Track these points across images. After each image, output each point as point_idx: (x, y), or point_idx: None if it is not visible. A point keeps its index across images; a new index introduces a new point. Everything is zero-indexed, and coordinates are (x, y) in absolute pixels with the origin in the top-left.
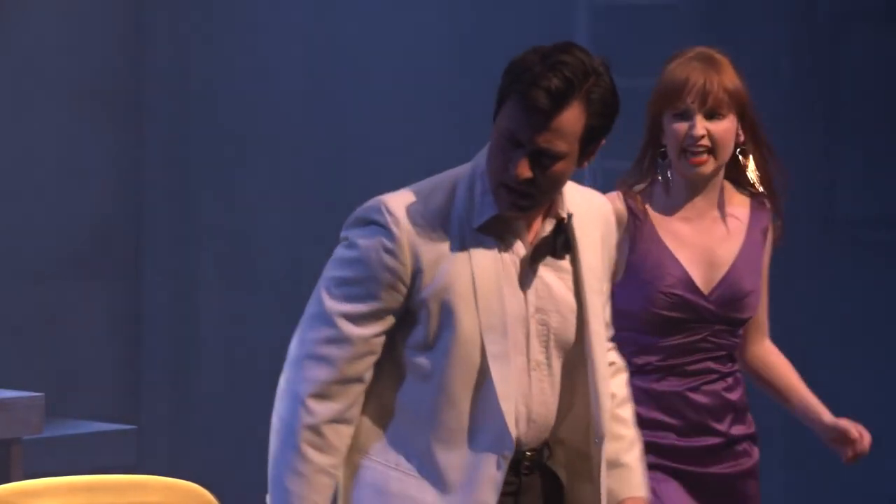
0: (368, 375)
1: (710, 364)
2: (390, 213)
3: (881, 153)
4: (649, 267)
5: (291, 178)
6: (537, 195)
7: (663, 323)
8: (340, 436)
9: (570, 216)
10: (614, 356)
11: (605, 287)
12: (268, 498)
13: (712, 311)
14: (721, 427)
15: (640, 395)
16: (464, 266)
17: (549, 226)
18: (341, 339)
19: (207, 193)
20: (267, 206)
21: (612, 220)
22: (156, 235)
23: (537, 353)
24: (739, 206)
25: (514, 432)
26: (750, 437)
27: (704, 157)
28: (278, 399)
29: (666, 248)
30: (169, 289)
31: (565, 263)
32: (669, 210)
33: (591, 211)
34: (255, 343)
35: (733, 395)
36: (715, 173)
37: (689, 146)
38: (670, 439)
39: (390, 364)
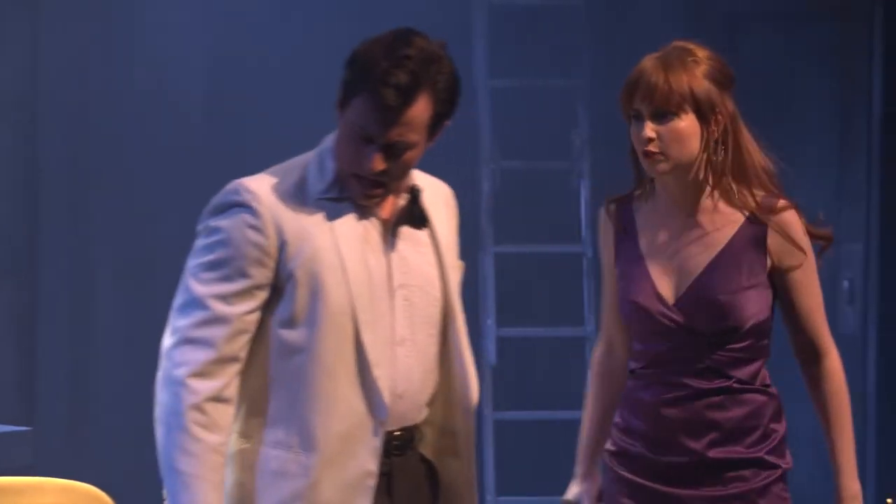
0: (243, 354)
1: (686, 379)
2: (249, 191)
3: (775, 150)
4: (625, 276)
5: (189, 181)
6: (389, 183)
7: (639, 331)
8: (223, 414)
9: (420, 190)
10: None
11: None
12: (164, 492)
13: (678, 320)
14: (695, 446)
15: (626, 400)
16: (327, 237)
17: (402, 199)
18: (216, 320)
19: (104, 194)
20: (165, 207)
21: (454, 204)
22: (52, 236)
23: (402, 327)
24: (731, 211)
25: (388, 399)
26: (752, 462)
27: (657, 155)
28: (158, 389)
29: (641, 258)
30: (65, 289)
31: (423, 236)
32: (653, 215)
33: (436, 193)
34: (154, 343)
35: (721, 414)
36: (681, 174)
37: (640, 148)
38: (639, 448)
39: (262, 343)
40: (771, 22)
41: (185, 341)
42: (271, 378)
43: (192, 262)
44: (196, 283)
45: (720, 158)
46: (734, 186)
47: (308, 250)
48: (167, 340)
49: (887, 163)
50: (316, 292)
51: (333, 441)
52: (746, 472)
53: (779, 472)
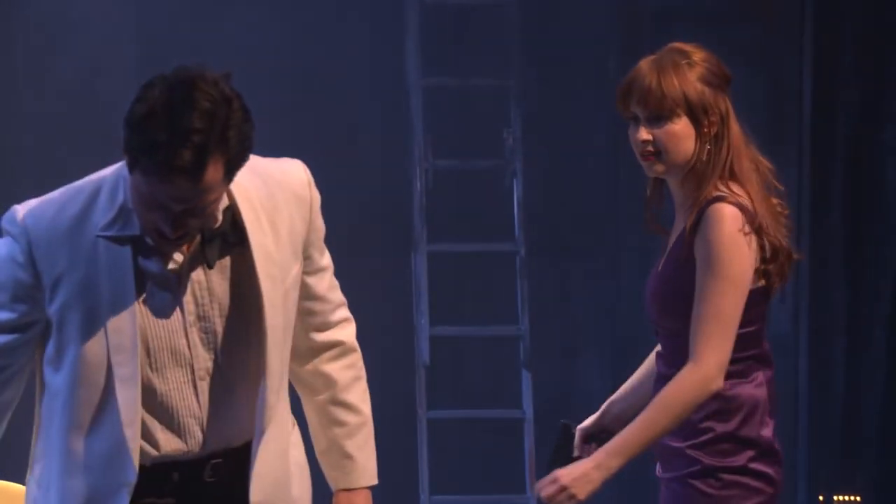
0: (3, 388)
1: (659, 365)
2: (20, 224)
3: None
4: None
5: None
6: (195, 232)
7: None
8: None
9: (228, 212)
10: (341, 334)
11: (297, 267)
12: None
13: (649, 303)
14: None
15: None
16: (94, 282)
17: (197, 239)
18: None
19: (30, 190)
20: None
21: (304, 191)
22: None
23: (204, 360)
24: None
25: (136, 461)
26: (676, 452)
27: (652, 158)
28: None
29: (663, 249)
30: None
31: (226, 260)
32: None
33: (274, 188)
34: None
35: None
36: (678, 174)
37: (637, 151)
38: None
39: (39, 383)
40: (700, 24)
41: None
42: (39, 414)
43: None
44: None
45: (712, 159)
46: (704, 182)
47: (69, 295)
48: None
49: (818, 166)
50: (71, 341)
51: (74, 499)
52: (676, 462)
53: (698, 467)
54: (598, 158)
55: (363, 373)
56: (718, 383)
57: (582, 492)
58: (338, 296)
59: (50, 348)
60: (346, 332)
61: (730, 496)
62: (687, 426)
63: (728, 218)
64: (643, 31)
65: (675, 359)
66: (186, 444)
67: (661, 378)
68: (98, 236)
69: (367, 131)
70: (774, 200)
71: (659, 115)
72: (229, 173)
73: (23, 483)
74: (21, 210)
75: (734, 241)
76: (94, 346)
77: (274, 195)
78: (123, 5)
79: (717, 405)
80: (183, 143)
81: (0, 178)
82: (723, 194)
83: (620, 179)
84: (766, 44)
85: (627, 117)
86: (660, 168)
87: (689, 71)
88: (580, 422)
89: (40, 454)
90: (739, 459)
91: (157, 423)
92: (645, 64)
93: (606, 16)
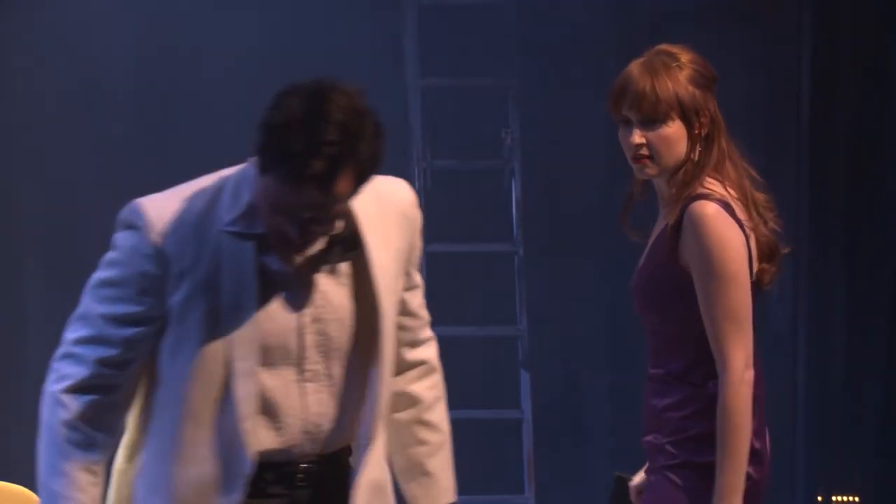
0: (127, 382)
1: (651, 356)
2: (145, 217)
3: None
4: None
5: (115, 179)
6: (316, 240)
7: None
8: (98, 434)
9: (350, 222)
10: (427, 353)
11: (401, 282)
12: None
13: (633, 294)
14: (644, 426)
15: None
16: (217, 276)
17: (322, 242)
18: (99, 340)
19: (29, 193)
20: (92, 206)
21: (411, 210)
22: None
23: (314, 363)
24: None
25: (250, 454)
26: (658, 447)
27: (645, 160)
28: (42, 402)
29: (644, 246)
30: None
31: (345, 268)
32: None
33: (386, 205)
34: None
35: (657, 400)
36: (667, 175)
37: (630, 154)
38: None
39: (151, 374)
40: (699, 22)
41: (67, 356)
42: (151, 405)
43: (96, 273)
44: (90, 298)
45: (702, 160)
46: (690, 181)
47: (193, 288)
48: (56, 351)
49: (816, 165)
50: (191, 334)
51: (186, 488)
52: (656, 456)
53: (677, 461)
54: (597, 158)
55: (444, 392)
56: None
57: None
58: (426, 313)
59: (168, 341)
60: (431, 351)
61: (703, 492)
62: (669, 424)
63: (711, 216)
64: (642, 30)
65: (658, 357)
66: (285, 444)
67: (650, 379)
68: (223, 231)
69: None
70: (760, 196)
71: (653, 119)
72: (358, 185)
73: (22, 483)
74: (146, 203)
75: (723, 237)
76: (215, 340)
77: (386, 211)
78: (125, 7)
79: (699, 405)
80: (316, 154)
81: (1, 180)
82: (704, 192)
83: (619, 179)
84: (764, 43)
85: (618, 120)
86: (652, 171)
87: (680, 73)
88: (633, 473)
89: (146, 443)
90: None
91: (260, 420)
92: (635, 67)
93: (605, 15)
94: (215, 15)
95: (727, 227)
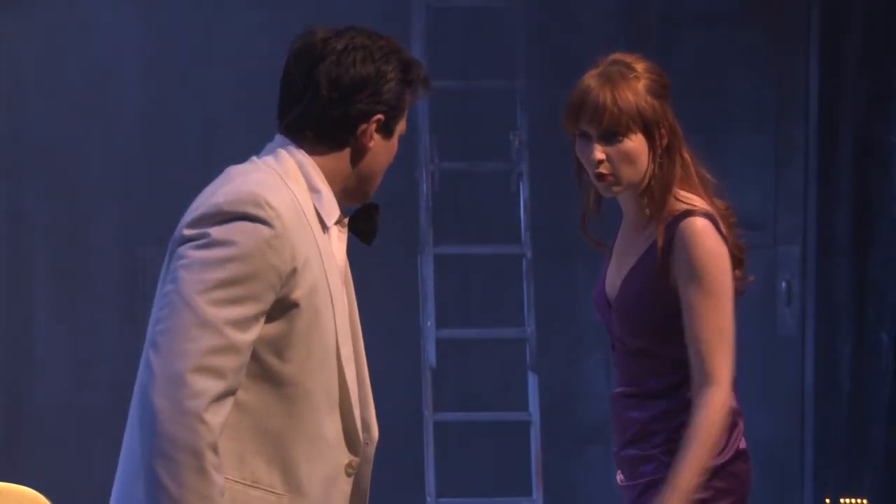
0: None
1: (622, 378)
2: (271, 207)
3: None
4: (599, 274)
5: (125, 182)
6: None
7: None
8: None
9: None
10: None
11: None
12: None
13: (612, 320)
14: (620, 439)
15: None
16: (320, 266)
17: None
18: (229, 348)
19: (38, 197)
20: (100, 209)
21: None
22: None
23: (357, 340)
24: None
25: (362, 439)
26: (650, 458)
27: (608, 178)
28: (165, 421)
29: (611, 256)
30: (1, 292)
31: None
32: (624, 221)
33: None
34: (92, 343)
35: (637, 413)
36: (634, 190)
37: (591, 171)
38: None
39: (251, 376)
40: (707, 24)
41: (200, 369)
42: (251, 409)
43: (197, 275)
44: (205, 303)
45: (668, 172)
46: (665, 196)
47: (310, 279)
48: (169, 364)
49: (823, 165)
50: (312, 324)
51: (318, 484)
52: (645, 467)
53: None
54: None
55: None
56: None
57: None
58: None
59: (283, 335)
60: None
61: (701, 499)
62: (658, 435)
63: (703, 232)
64: (650, 32)
65: (641, 378)
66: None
67: (622, 396)
68: (320, 225)
69: None
70: (720, 203)
71: (614, 133)
72: None
73: (21, 483)
74: (264, 193)
75: (715, 255)
76: (329, 329)
77: None
78: (131, 9)
79: (685, 416)
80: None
81: (9, 180)
82: (691, 208)
83: None
84: (772, 44)
85: (573, 134)
86: (617, 189)
87: (638, 84)
88: None
89: (256, 452)
90: (710, 463)
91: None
92: (592, 79)
93: (613, 17)
94: (222, 17)
95: (717, 243)
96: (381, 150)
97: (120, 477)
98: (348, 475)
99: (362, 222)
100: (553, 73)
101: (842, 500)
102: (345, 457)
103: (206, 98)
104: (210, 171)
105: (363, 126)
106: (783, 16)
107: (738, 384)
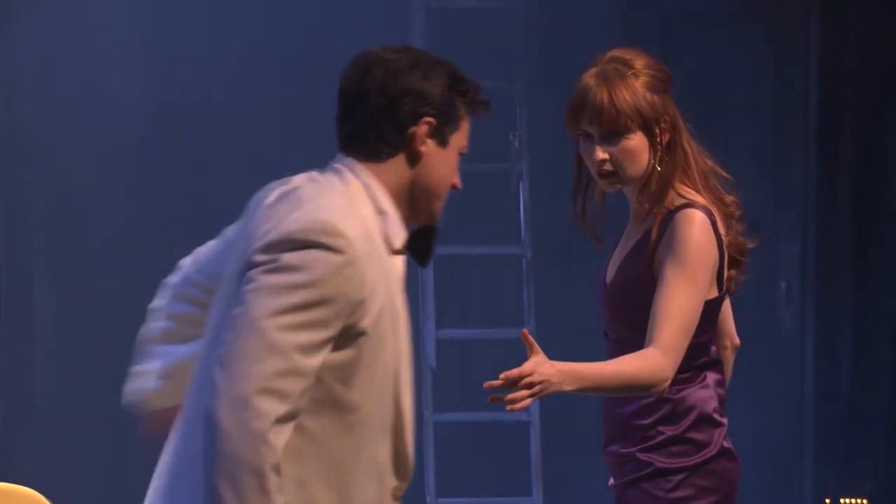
0: None
1: None
2: (344, 237)
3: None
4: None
5: (125, 184)
6: None
7: None
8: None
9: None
10: None
11: None
12: None
13: (603, 307)
14: (605, 434)
15: None
16: (387, 291)
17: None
18: (294, 372)
19: (39, 197)
20: (101, 209)
21: None
22: None
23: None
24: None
25: (412, 464)
26: (627, 457)
27: (611, 177)
28: (229, 441)
29: (616, 247)
30: (0, 291)
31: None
32: (630, 211)
33: None
34: (91, 343)
35: (621, 408)
36: (636, 185)
37: (594, 170)
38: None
39: (312, 397)
40: (706, 25)
41: (267, 392)
42: (315, 435)
43: (265, 299)
44: (274, 328)
45: (668, 167)
46: (664, 190)
47: (377, 306)
48: (235, 384)
49: (823, 165)
50: (377, 351)
51: None
52: (626, 467)
53: (649, 469)
54: None
55: None
56: (667, 386)
57: (540, 395)
58: None
59: (349, 362)
60: None
61: (680, 498)
62: (637, 431)
63: (697, 224)
64: (650, 33)
65: None
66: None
67: None
68: (387, 250)
69: None
70: (728, 198)
71: (614, 132)
72: None
73: (21, 483)
74: (336, 220)
75: (702, 246)
76: (391, 354)
77: None
78: (132, 6)
79: (667, 409)
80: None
81: (9, 180)
82: (689, 201)
83: None
84: (772, 45)
85: (576, 134)
86: (619, 186)
87: (636, 81)
88: None
89: (315, 476)
90: (690, 460)
91: None
92: (591, 79)
93: (613, 18)
94: (222, 17)
95: (707, 238)
96: (437, 158)
97: (170, 479)
98: (394, 499)
99: (418, 243)
100: (553, 73)
101: (841, 500)
102: (393, 481)
103: (205, 98)
104: (210, 172)
105: (413, 128)
106: (783, 16)
107: (738, 384)
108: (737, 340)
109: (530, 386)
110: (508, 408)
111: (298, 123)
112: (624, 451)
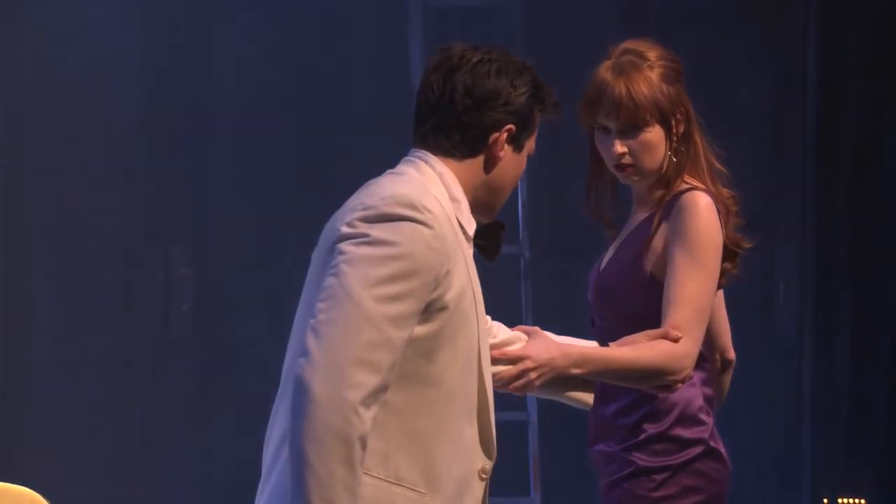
0: None
1: None
2: (429, 210)
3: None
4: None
5: (125, 182)
6: None
7: None
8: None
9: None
10: None
11: None
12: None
13: (592, 288)
14: (590, 434)
15: None
16: (466, 271)
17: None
18: (387, 344)
19: (38, 194)
20: (100, 206)
21: None
22: None
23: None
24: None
25: (495, 440)
26: (612, 456)
27: (629, 170)
28: (322, 407)
29: (613, 241)
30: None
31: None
32: (634, 202)
33: None
34: (90, 342)
35: (603, 408)
36: (652, 177)
37: (612, 163)
38: None
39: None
40: (705, 22)
41: (362, 362)
42: (396, 408)
43: (358, 270)
44: (369, 298)
45: (683, 158)
46: (676, 180)
47: (460, 282)
48: (329, 353)
49: (822, 165)
50: (459, 328)
51: (452, 484)
52: (611, 466)
53: (631, 469)
54: None
55: None
56: (689, 374)
57: (541, 379)
58: None
59: (431, 337)
60: None
61: (663, 497)
62: (621, 430)
63: (704, 207)
64: (648, 32)
65: None
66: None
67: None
68: (458, 232)
69: (372, 134)
70: (725, 192)
71: (633, 126)
72: None
73: (21, 483)
74: (421, 197)
75: (710, 229)
76: (472, 333)
77: None
78: (128, 9)
79: (650, 407)
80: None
81: (8, 180)
82: (695, 186)
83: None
84: (770, 43)
85: (591, 126)
86: (636, 178)
87: (651, 73)
88: None
89: (400, 449)
90: (674, 459)
91: None
92: (607, 73)
93: (612, 18)
94: (222, 16)
95: (714, 221)
96: (511, 162)
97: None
98: (482, 480)
99: (487, 239)
100: (550, 73)
101: (839, 500)
102: (480, 461)
103: (205, 98)
104: (210, 171)
105: (495, 135)
106: (782, 15)
107: (736, 383)
108: (731, 355)
109: (524, 374)
110: (511, 387)
111: (298, 123)
112: (609, 450)
